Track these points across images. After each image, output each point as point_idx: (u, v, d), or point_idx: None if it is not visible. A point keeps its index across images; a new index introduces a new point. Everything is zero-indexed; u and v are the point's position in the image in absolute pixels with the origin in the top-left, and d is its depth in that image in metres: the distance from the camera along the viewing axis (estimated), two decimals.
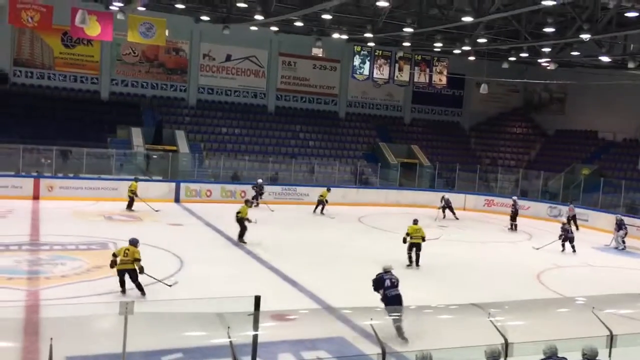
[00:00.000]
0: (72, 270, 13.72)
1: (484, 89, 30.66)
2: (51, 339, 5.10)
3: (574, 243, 20.13)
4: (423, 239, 16.40)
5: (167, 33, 26.59)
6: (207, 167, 29.88)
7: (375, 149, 35.51)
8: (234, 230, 19.46)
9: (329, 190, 25.89)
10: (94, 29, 24.53)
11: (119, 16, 25.07)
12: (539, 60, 29.96)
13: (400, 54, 30.87)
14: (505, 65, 30.88)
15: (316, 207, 25.49)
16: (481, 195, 30.97)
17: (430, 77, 31.51)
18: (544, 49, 28.00)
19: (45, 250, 15.53)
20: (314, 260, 16.56)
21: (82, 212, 21.86)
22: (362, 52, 30.33)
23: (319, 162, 32.00)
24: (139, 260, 12.01)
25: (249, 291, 8.07)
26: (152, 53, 33.36)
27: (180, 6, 25.70)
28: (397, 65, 30.88)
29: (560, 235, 20.19)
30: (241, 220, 18.19)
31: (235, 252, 17.25)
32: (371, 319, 7.12)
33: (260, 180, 27.26)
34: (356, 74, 30.83)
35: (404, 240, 16.39)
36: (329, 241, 19.68)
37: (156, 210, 22.78)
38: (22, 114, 28.97)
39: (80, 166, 26.52)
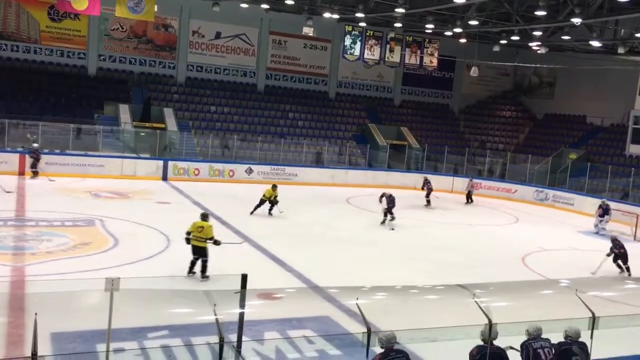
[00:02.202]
0: (57, 246, 13.64)
1: (474, 71, 30.61)
2: (35, 314, 5.07)
3: (628, 264, 15.17)
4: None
5: (156, 9, 26.27)
6: (195, 145, 29.72)
7: (365, 130, 35.47)
8: (221, 209, 19.48)
9: (274, 188, 19.82)
10: (81, 3, 24.20)
11: None
12: (530, 44, 29.94)
13: (392, 34, 30.68)
14: (496, 48, 30.83)
15: (255, 208, 19.51)
16: (469, 178, 31.10)
17: (421, 58, 31.38)
18: (535, 33, 27.96)
19: (31, 226, 15.42)
20: (300, 240, 16.61)
21: (68, 189, 21.70)
22: (353, 32, 30.10)
23: (308, 142, 31.92)
24: (212, 238, 11.97)
25: (236, 269, 8.07)
26: (140, 29, 32.90)
27: None
28: (388, 46, 30.70)
29: (611, 252, 15.29)
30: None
31: (223, 231, 17.19)
32: (357, 298, 7.14)
33: (35, 145, 24.05)
34: (347, 54, 30.62)
35: None
36: (316, 221, 19.72)
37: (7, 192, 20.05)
38: (7, 89, 28.57)
39: (68, 142, 26.26)
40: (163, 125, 29.54)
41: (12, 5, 30.08)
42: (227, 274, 7.04)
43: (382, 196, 19.80)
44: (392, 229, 19.01)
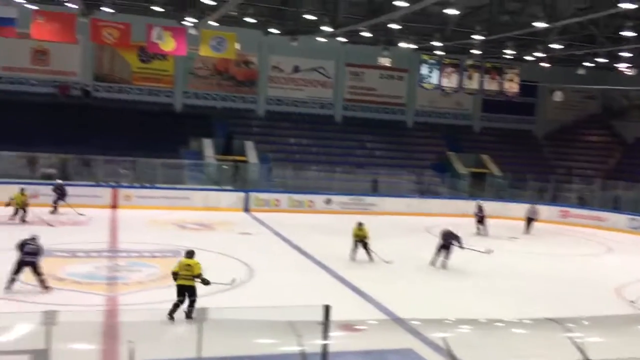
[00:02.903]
0: (147, 276, 14.24)
1: (558, 96, 29.66)
2: (131, 342, 5.31)
3: None
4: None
5: (237, 46, 27.34)
6: (275, 177, 30.36)
7: (444, 159, 34.98)
8: (302, 239, 19.67)
9: (360, 226, 17.52)
10: (168, 45, 25.55)
11: (192, 31, 25.94)
12: (617, 66, 28.70)
13: (470, 62, 30.35)
14: (581, 71, 29.77)
15: (353, 252, 17.44)
16: (555, 205, 29.86)
17: (501, 84, 30.78)
18: (622, 54, 26.80)
19: (123, 257, 16.18)
20: (380, 271, 16.46)
21: (157, 221, 22.64)
22: (430, 61, 30.04)
23: (386, 172, 31.82)
24: (199, 275, 11.01)
25: (318, 300, 8.12)
26: (223, 66, 34.31)
27: (250, 20, 26.30)
28: (466, 73, 30.37)
29: None
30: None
31: (303, 261, 17.39)
32: (443, 332, 6.98)
33: (59, 181, 23.86)
34: (424, 82, 30.54)
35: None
36: (395, 251, 19.48)
37: (80, 215, 21.99)
38: (102, 127, 30.41)
39: (155, 176, 27.51)
40: (245, 158, 30.43)
41: (106, 49, 32.20)
42: (309, 305, 7.09)
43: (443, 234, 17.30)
44: (489, 251, 17.65)
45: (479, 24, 24.71)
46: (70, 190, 24.35)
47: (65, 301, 11.32)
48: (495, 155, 35.72)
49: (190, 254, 11.38)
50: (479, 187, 32.05)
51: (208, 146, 30.68)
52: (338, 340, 7.13)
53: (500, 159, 35.49)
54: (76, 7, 25.05)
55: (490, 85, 31.12)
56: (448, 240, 17.02)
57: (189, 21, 25.57)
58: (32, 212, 20.68)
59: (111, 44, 26.75)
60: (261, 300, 12.15)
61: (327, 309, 6.46)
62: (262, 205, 27.33)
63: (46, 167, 26.83)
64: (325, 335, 6.25)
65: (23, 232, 13.74)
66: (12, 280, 12.19)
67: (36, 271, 12.34)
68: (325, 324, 6.28)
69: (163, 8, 25.86)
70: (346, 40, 30.62)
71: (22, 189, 20.96)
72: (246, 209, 26.95)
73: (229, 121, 33.82)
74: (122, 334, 9.09)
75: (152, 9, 26.03)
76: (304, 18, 25.57)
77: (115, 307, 11.79)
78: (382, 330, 8.91)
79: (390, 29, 26.02)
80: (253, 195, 27.47)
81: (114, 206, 25.07)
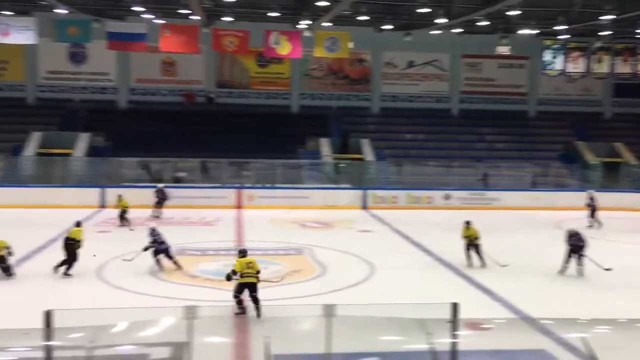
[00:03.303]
0: (272, 273, 14.70)
1: None
2: (267, 337, 5.51)
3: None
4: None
5: (350, 45, 27.53)
6: (392, 173, 30.22)
7: (572, 149, 32.97)
8: (422, 236, 19.40)
9: (468, 225, 16.08)
10: (285, 48, 26.28)
11: (307, 34, 26.49)
12: None
13: (598, 44, 28.34)
14: None
15: (468, 257, 15.95)
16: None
17: (635, 66, 28.46)
18: None
19: (249, 255, 16.82)
20: (506, 269, 15.81)
21: (278, 220, 23.35)
22: (553, 46, 28.42)
23: (508, 165, 30.56)
24: (259, 271, 11.61)
25: (441, 298, 7.97)
26: (337, 66, 34.73)
27: (362, 18, 26.37)
28: (594, 57, 28.40)
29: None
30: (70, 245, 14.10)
31: (424, 258, 17.14)
32: (578, 332, 6.58)
33: (160, 185, 23.81)
34: (547, 69, 28.96)
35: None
36: (522, 248, 18.67)
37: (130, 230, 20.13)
38: (223, 131, 31.97)
39: (276, 177, 28.42)
40: (361, 156, 30.59)
41: (226, 56, 33.76)
42: (435, 302, 6.97)
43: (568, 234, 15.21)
44: (609, 269, 14.83)
45: (608, 2, 22.99)
46: (197, 192, 25.91)
47: (198, 297, 12.01)
48: (630, 142, 33.09)
49: (244, 252, 12.10)
50: (612, 177, 29.87)
51: (325, 145, 31.20)
52: (466, 339, 6.95)
53: (636, 146, 32.83)
54: (199, 18, 26.47)
55: (623, 68, 28.85)
56: (576, 243, 14.88)
57: (304, 24, 26.13)
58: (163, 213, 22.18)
59: (231, 51, 27.98)
60: (384, 297, 12.13)
61: (455, 306, 6.32)
62: (380, 202, 27.29)
63: (177, 171, 28.57)
64: (453, 334, 6.11)
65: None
66: (158, 263, 14.50)
67: (169, 255, 14.51)
68: (454, 321, 6.14)
69: (279, 13, 26.64)
70: (462, 30, 29.78)
71: (120, 195, 21.52)
72: (364, 207, 27.05)
73: (344, 120, 34.17)
74: (252, 329, 9.51)
75: (268, 15, 26.91)
76: (418, 12, 25.18)
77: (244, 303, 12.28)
78: (511, 329, 8.57)
79: (509, 15, 24.94)
80: (371, 192, 27.51)
81: (238, 206, 26.17)
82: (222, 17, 27.47)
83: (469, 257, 15.83)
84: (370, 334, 6.61)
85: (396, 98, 35.62)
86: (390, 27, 28.70)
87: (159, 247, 14.46)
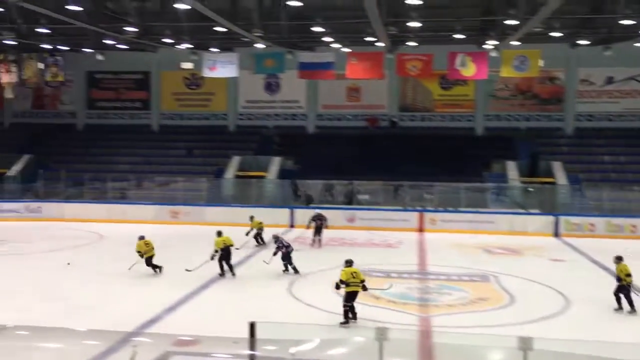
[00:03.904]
0: (457, 300, 14.35)
1: None
2: None
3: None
4: None
5: (541, 63, 26.15)
6: (587, 199, 27.89)
7: None
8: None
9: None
10: (469, 70, 25.80)
11: (493, 54, 25.74)
12: None
13: None
14: None
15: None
16: None
17: None
18: None
19: (432, 279, 16.64)
20: None
21: (462, 245, 22.73)
22: None
23: None
24: (364, 280, 12.37)
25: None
26: (525, 85, 33.22)
27: (556, 34, 24.95)
28: None
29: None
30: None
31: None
32: None
33: (318, 211, 22.22)
34: None
35: None
36: None
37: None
38: (406, 154, 32.14)
39: (459, 200, 27.79)
40: (552, 179, 28.71)
41: (409, 80, 34.06)
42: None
43: None
44: None
45: None
46: (380, 214, 26.29)
47: (382, 318, 12.09)
48: None
49: (350, 262, 12.68)
50: None
51: (512, 168, 29.83)
52: None
53: None
54: (383, 45, 27.12)
55: None
56: None
57: (490, 44, 25.44)
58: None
59: (414, 75, 28.18)
60: (583, 333, 11.14)
61: None
62: (574, 229, 25.25)
63: (361, 194, 29.30)
64: None
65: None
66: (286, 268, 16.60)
67: (290, 259, 16.64)
68: None
69: (464, 35, 26.28)
70: None
71: (252, 217, 21.82)
72: (556, 234, 25.23)
73: (533, 141, 32.42)
74: (438, 355, 9.30)
75: (453, 37, 26.68)
76: (619, 24, 23.16)
77: (428, 328, 12.14)
78: None
79: None
80: (563, 219, 25.59)
81: (420, 229, 26.02)
82: (407, 42, 27.82)
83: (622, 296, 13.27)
84: None
85: (593, 117, 32.95)
86: (586, 42, 26.75)
87: (286, 249, 16.56)
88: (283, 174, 31.41)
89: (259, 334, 6.37)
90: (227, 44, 29.53)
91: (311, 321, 11.48)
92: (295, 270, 16.62)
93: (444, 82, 33.68)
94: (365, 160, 31.94)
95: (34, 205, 28.36)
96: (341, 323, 11.86)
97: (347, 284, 12.02)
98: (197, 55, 29.84)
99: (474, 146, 32.81)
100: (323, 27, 26.19)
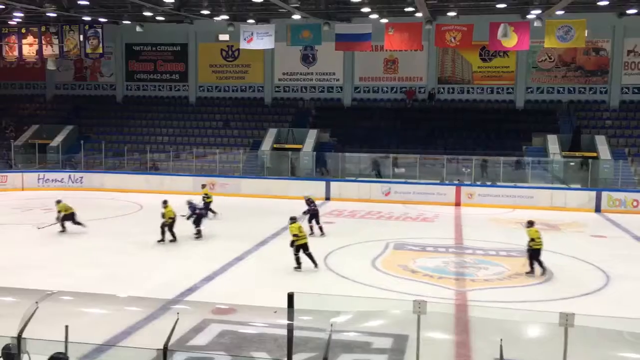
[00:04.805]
0: (494, 275, 14.20)
1: None
2: (501, 339, 5.33)
3: None
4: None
5: (586, 33, 25.25)
6: (632, 174, 27.08)
7: None
8: None
9: None
10: (510, 40, 25.06)
11: (536, 24, 24.95)
12: None
13: None
14: None
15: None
16: None
17: None
18: None
19: (469, 254, 16.48)
20: None
21: (499, 219, 22.44)
22: None
23: None
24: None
25: None
26: (569, 56, 32.16)
27: (603, 3, 24.02)
28: None
29: None
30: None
31: None
32: None
33: (307, 194, 19.40)
34: None
35: None
36: None
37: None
38: (444, 127, 31.66)
39: (498, 174, 27.34)
40: (595, 154, 27.93)
41: (448, 52, 33.36)
42: None
43: None
44: None
45: None
46: (416, 187, 26.13)
47: (418, 292, 12.07)
48: None
49: (294, 219, 14.59)
50: None
51: (553, 142, 29.07)
52: None
53: None
54: (422, 15, 26.55)
55: None
56: None
57: (533, 13, 24.65)
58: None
59: (454, 46, 27.56)
60: (623, 310, 10.93)
61: None
62: (617, 205, 24.65)
63: (397, 167, 29.07)
64: None
65: None
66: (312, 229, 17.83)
67: (318, 220, 18.18)
68: None
69: (506, 4, 25.52)
70: None
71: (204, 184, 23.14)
72: (597, 210, 24.66)
73: (575, 115, 31.52)
74: (473, 330, 9.27)
75: (495, 7, 25.94)
76: None
77: (465, 302, 12.07)
78: None
79: None
80: (606, 194, 24.98)
81: (457, 204, 25.76)
82: (446, 12, 27.19)
83: None
84: (611, 350, 5.98)
85: (639, 90, 31.78)
86: (635, 11, 25.68)
87: (314, 211, 18.11)
88: (319, 146, 31.35)
89: (297, 304, 6.43)
90: (264, 15, 29.37)
91: (346, 293, 11.53)
92: (321, 231, 18.20)
93: (483, 53, 32.88)
94: (403, 133, 31.60)
95: (77, 175, 29.14)
96: (295, 268, 14.04)
97: (298, 237, 14.15)
98: (233, 27, 29.78)
99: (514, 119, 32.06)
100: None
